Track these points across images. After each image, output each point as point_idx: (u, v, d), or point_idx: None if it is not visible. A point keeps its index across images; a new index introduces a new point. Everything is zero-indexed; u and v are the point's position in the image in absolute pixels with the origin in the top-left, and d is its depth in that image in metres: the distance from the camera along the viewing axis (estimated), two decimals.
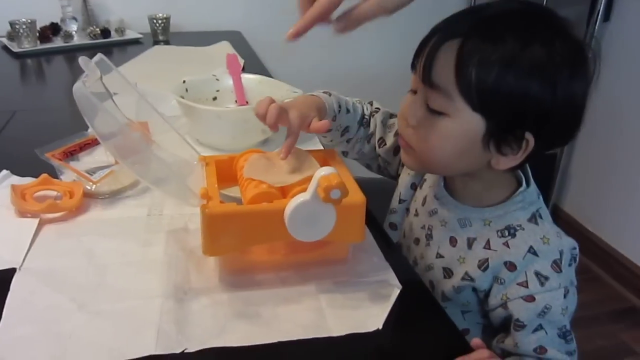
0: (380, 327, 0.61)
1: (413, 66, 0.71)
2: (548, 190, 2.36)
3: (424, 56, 0.67)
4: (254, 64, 1.65)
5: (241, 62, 1.58)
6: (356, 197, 0.65)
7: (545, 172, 2.33)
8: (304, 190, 0.64)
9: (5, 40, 1.72)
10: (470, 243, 0.74)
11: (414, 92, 0.72)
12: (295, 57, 2.22)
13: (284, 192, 0.67)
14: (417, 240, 0.83)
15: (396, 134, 0.88)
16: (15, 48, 1.66)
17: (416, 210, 0.84)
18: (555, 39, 0.64)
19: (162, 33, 1.88)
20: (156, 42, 1.87)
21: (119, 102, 0.74)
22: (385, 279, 0.69)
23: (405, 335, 0.62)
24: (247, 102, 1.15)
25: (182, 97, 1.07)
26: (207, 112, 0.99)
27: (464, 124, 0.67)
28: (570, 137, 0.71)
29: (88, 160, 0.95)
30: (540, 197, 0.75)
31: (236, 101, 1.16)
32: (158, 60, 1.67)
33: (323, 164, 0.74)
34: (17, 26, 1.64)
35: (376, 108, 0.93)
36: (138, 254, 0.72)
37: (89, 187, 0.82)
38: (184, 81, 1.10)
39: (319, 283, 0.68)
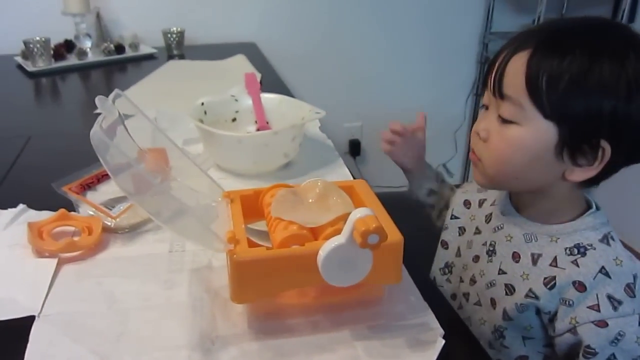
0: None
1: (485, 82, 0.71)
2: None
3: (495, 70, 0.68)
4: (270, 76, 1.62)
5: (258, 76, 1.54)
6: (393, 235, 0.61)
7: None
8: (337, 230, 0.60)
9: (19, 59, 1.71)
10: (535, 259, 0.70)
11: (487, 107, 0.72)
12: (312, 67, 2.19)
13: (315, 232, 0.63)
14: (477, 258, 0.80)
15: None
16: (29, 67, 1.64)
17: (477, 228, 0.82)
18: (628, 50, 0.62)
19: (176, 47, 1.85)
20: (170, 57, 1.84)
21: (138, 136, 0.70)
22: (425, 321, 0.64)
23: None
24: (267, 123, 1.12)
25: (201, 120, 1.04)
26: (227, 138, 0.96)
27: (535, 131, 0.65)
28: None
29: (106, 190, 0.92)
30: (610, 224, 0.71)
31: (256, 122, 1.12)
32: (173, 77, 1.64)
33: (351, 195, 0.71)
34: (31, 45, 1.62)
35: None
36: (161, 297, 0.68)
37: (108, 223, 0.79)
38: (202, 103, 1.07)
39: (353, 328, 0.63)
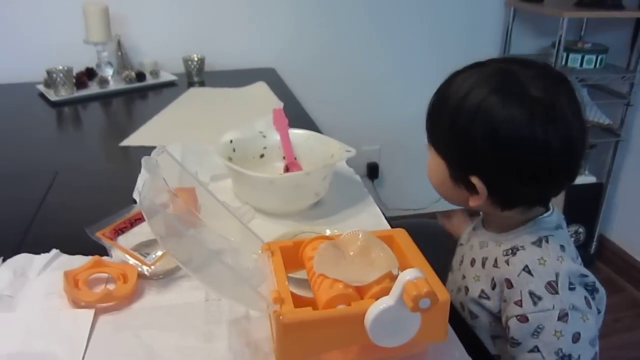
0: None
1: None
2: (593, 219, 2.27)
3: None
4: (290, 102, 1.61)
5: (280, 104, 1.54)
6: (440, 294, 0.60)
7: (590, 202, 2.25)
8: (384, 289, 0.59)
9: (42, 88, 1.71)
10: (483, 262, 0.80)
11: None
12: (330, 91, 2.19)
13: (361, 290, 0.62)
14: (454, 271, 0.90)
15: None
16: (52, 96, 1.65)
17: (462, 248, 0.90)
18: (505, 97, 0.69)
19: (196, 74, 1.85)
20: (191, 84, 1.84)
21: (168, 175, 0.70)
22: None
23: None
24: (295, 159, 1.11)
25: (230, 158, 1.03)
26: (258, 179, 0.95)
27: (434, 161, 0.79)
28: (546, 185, 0.74)
29: (138, 231, 0.91)
30: (561, 230, 0.77)
31: (284, 157, 1.11)
32: (195, 106, 1.64)
33: (392, 245, 0.70)
34: (54, 75, 1.63)
35: None
36: (201, 352, 0.67)
37: (145, 272, 0.78)
38: (231, 141, 1.06)
39: None
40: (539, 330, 0.68)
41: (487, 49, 2.30)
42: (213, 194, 0.69)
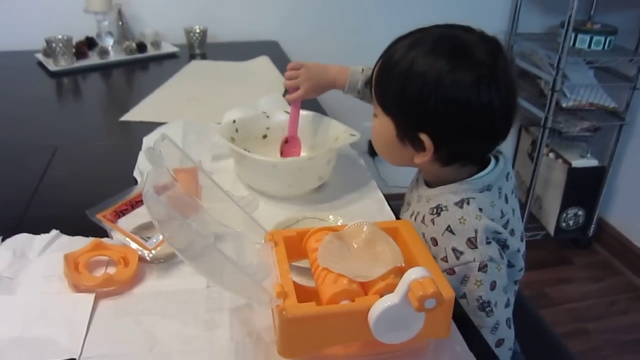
0: None
1: None
2: (593, 203, 2.27)
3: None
4: None
5: (282, 80, 1.52)
6: (444, 291, 0.59)
7: (591, 186, 2.24)
8: (389, 285, 0.59)
9: (40, 57, 1.68)
10: (416, 217, 0.85)
11: None
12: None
13: (365, 285, 0.61)
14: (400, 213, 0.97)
15: None
16: (51, 66, 1.62)
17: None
18: (454, 62, 0.74)
19: (198, 46, 1.82)
20: (192, 56, 1.81)
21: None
22: None
23: None
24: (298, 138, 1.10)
25: (233, 138, 1.02)
26: (261, 162, 0.94)
27: (382, 123, 0.83)
28: (475, 139, 0.78)
29: (139, 212, 0.90)
30: (487, 192, 0.80)
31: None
32: (197, 80, 1.61)
33: (396, 237, 0.69)
34: (53, 44, 1.60)
35: None
36: (203, 340, 0.67)
37: (145, 256, 0.77)
38: (234, 121, 1.05)
39: None
40: (465, 280, 0.76)
41: (495, 27, 2.24)
42: (216, 183, 0.68)
